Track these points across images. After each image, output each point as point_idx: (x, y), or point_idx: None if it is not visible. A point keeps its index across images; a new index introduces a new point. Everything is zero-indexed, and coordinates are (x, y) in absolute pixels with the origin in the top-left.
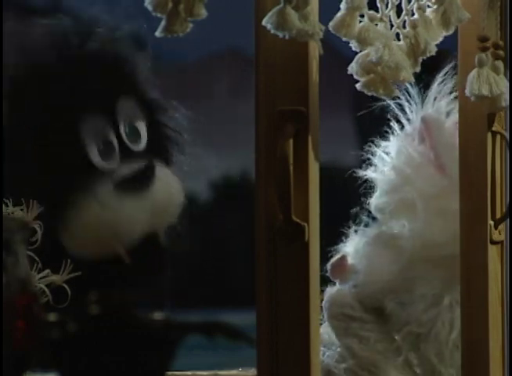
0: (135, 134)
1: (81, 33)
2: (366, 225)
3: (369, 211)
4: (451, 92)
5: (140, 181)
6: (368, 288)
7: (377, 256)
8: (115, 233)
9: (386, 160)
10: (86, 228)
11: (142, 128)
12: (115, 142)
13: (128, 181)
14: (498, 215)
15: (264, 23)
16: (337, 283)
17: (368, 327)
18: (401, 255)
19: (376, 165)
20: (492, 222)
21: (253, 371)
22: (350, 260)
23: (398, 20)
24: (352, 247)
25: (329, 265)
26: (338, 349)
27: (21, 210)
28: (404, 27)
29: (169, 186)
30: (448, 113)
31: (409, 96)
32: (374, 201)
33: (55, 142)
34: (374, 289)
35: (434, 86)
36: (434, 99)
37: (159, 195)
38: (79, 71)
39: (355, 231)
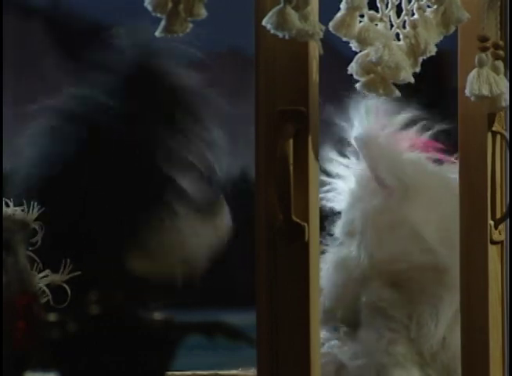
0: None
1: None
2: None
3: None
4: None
5: (212, 205)
6: (335, 312)
7: (334, 280)
8: (186, 253)
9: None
10: (160, 245)
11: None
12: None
13: (203, 204)
14: (498, 215)
15: (264, 23)
16: None
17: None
18: (352, 275)
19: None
20: (492, 222)
21: (253, 371)
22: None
23: (398, 20)
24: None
25: None
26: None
27: (22, 210)
28: (404, 27)
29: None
30: (382, 128)
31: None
32: (339, 221)
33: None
34: (341, 311)
35: (361, 105)
36: (364, 116)
37: (219, 222)
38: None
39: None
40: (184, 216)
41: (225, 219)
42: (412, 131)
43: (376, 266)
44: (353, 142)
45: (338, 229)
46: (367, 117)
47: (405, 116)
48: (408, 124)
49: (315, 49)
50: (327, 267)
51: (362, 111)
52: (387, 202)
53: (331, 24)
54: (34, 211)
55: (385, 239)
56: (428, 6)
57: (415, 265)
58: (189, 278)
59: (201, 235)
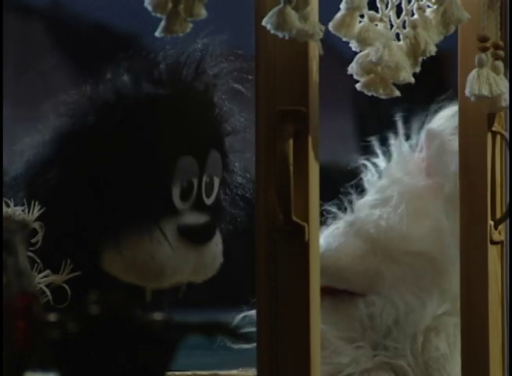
0: (210, 187)
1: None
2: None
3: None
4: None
5: (202, 234)
6: (328, 264)
7: (344, 237)
8: (159, 271)
9: (384, 166)
10: (136, 255)
11: (217, 184)
12: (195, 187)
13: (192, 229)
14: (498, 215)
15: (264, 23)
16: None
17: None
18: (366, 241)
19: (374, 168)
20: (492, 222)
21: (253, 371)
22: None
23: (398, 20)
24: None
25: None
26: None
27: (22, 211)
28: (404, 27)
29: (216, 248)
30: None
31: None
32: (361, 201)
33: (146, 173)
34: (333, 267)
35: (446, 105)
36: (445, 118)
37: (206, 253)
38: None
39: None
40: (170, 237)
41: (213, 249)
42: None
43: (388, 239)
44: (424, 133)
45: (364, 203)
46: (450, 119)
47: None
48: None
49: (315, 49)
50: (337, 226)
51: (448, 112)
52: (427, 190)
53: (331, 24)
54: (35, 212)
55: (410, 218)
56: (428, 6)
57: (422, 252)
58: (159, 292)
59: (180, 259)
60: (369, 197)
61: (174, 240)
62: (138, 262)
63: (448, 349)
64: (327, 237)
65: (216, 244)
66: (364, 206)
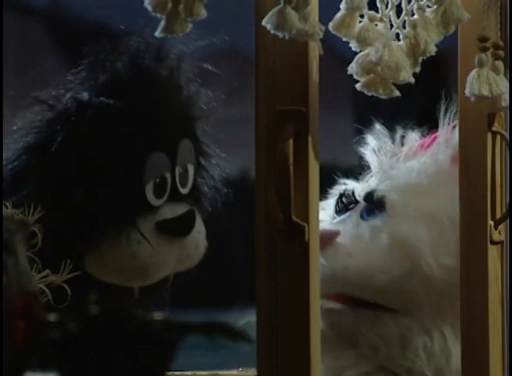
0: (185, 177)
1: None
2: (369, 212)
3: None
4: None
5: (182, 226)
6: (361, 279)
7: (381, 254)
8: (143, 271)
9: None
10: (116, 258)
11: (191, 171)
12: (169, 181)
13: (171, 223)
14: (498, 215)
15: (264, 23)
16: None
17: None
18: (406, 262)
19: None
20: (492, 223)
21: (253, 371)
22: (341, 239)
23: (398, 20)
24: (349, 227)
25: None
26: None
27: (21, 213)
28: (404, 27)
29: (198, 236)
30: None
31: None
32: (387, 193)
33: (115, 171)
34: (368, 283)
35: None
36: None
37: (188, 243)
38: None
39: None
40: (149, 235)
41: (195, 238)
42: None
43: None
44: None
45: (394, 202)
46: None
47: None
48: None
49: (315, 49)
50: (371, 232)
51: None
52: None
53: (331, 24)
54: (35, 214)
55: (453, 240)
56: (428, 6)
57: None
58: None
59: (162, 254)
60: (400, 197)
61: (155, 237)
62: (120, 264)
63: None
64: (358, 243)
65: (199, 231)
66: (394, 208)
